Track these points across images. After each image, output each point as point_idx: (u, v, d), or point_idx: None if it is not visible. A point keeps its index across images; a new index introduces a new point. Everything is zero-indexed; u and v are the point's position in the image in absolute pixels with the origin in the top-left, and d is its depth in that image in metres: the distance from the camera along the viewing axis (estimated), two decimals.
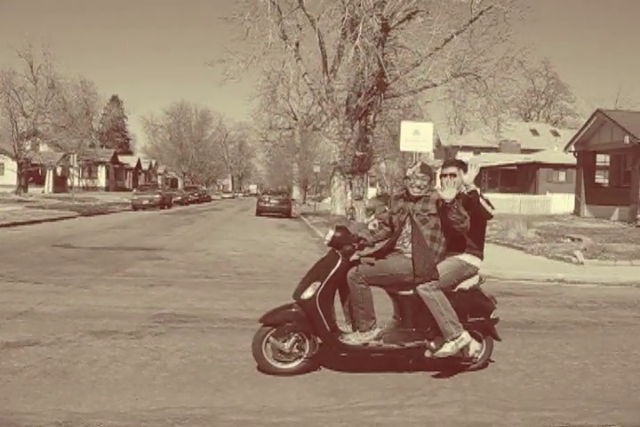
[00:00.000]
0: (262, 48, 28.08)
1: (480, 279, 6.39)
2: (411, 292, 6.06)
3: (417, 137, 16.64)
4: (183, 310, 8.84)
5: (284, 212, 39.31)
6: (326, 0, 27.13)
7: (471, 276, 6.31)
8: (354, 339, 6.08)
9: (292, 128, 40.24)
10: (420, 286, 5.96)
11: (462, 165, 6.42)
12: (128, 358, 6.37)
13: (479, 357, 6.33)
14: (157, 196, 43.88)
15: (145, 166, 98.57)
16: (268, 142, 53.18)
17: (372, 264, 6.10)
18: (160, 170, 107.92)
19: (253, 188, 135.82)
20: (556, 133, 66.95)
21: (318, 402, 5.31)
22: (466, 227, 5.99)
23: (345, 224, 6.47)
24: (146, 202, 42.14)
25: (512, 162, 50.00)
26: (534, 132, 67.95)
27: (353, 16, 25.90)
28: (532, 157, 48.25)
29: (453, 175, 6.26)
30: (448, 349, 5.97)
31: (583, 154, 33.81)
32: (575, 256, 14.93)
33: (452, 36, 26.58)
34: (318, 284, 6.01)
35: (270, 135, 47.94)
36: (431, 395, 5.59)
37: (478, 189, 6.31)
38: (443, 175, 6.34)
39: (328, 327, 6.00)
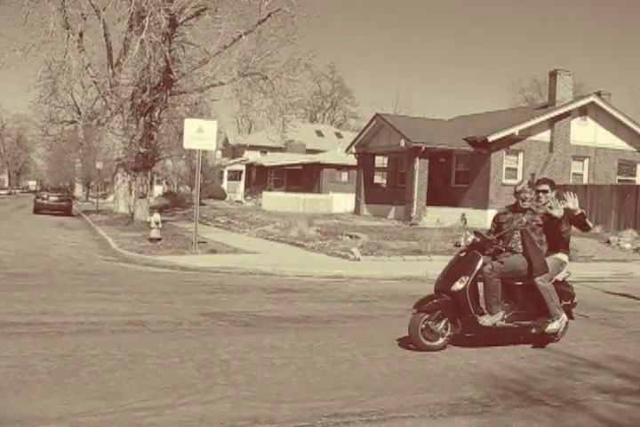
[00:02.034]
0: (43, 36, 26.48)
1: (567, 272, 8.27)
2: (520, 283, 7.74)
3: (201, 135, 16.51)
4: None
5: (64, 209, 37.60)
6: None
7: (563, 269, 8.15)
8: (487, 321, 7.55)
9: (75, 122, 38.23)
10: (538, 278, 7.64)
11: (551, 183, 8.30)
12: None
13: (561, 332, 7.99)
14: None
15: None
16: (49, 136, 50.21)
17: (502, 262, 7.64)
18: None
19: (33, 184, 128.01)
20: (339, 135, 69.61)
21: (87, 406, 5.10)
22: (569, 234, 8.03)
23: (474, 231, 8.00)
24: None
25: (297, 162, 51.26)
26: (319, 133, 70.14)
27: (140, 9, 25.15)
28: (316, 158, 49.74)
29: (545, 191, 8.12)
30: (555, 326, 7.78)
31: (363, 155, 35.41)
32: (352, 253, 15.60)
33: (241, 36, 26.62)
34: (467, 278, 7.43)
35: (51, 129, 45.20)
36: (204, 392, 5.58)
37: (585, 211, 8.08)
38: (537, 191, 8.08)
39: (472, 312, 7.41)
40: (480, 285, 7.71)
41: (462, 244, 7.78)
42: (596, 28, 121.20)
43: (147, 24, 24.41)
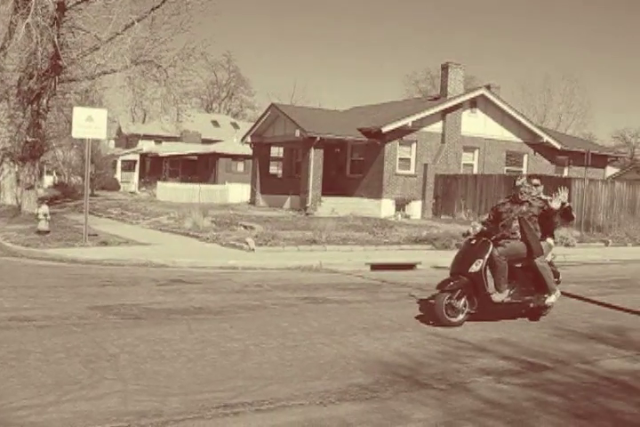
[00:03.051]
0: None
1: (553, 255, 9.69)
2: (519, 264, 8.98)
3: (90, 123, 16.02)
4: None
5: None
6: None
7: (550, 252, 9.50)
8: (497, 297, 8.75)
9: None
10: (537, 259, 8.96)
11: (541, 178, 10.33)
12: None
13: (550, 307, 9.35)
14: None
15: None
16: None
17: (505, 246, 8.82)
18: None
19: None
20: (235, 125, 69.16)
21: None
22: (557, 224, 9.57)
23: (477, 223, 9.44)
24: None
25: (193, 152, 50.66)
26: (215, 123, 69.45)
27: None
28: (212, 148, 49.27)
29: (537, 185, 9.90)
30: (552, 299, 9.12)
31: (259, 146, 35.33)
32: (247, 243, 15.55)
33: (134, 23, 25.96)
34: (481, 261, 8.59)
35: None
36: (91, 388, 5.45)
37: (571, 204, 9.46)
38: (532, 184, 9.64)
39: (487, 290, 8.60)
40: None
41: (472, 232, 8.98)
42: (487, 23, 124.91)
43: (33, 7, 23.47)
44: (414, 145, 30.49)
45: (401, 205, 30.13)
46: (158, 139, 57.60)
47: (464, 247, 9.06)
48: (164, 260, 13.38)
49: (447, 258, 15.88)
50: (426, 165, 30.34)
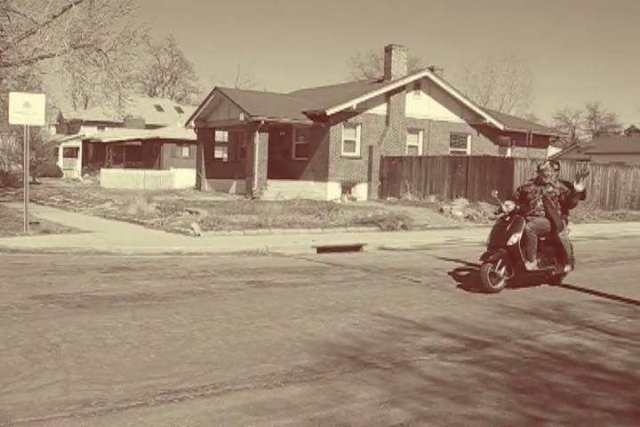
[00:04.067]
0: None
1: (568, 229, 10.81)
2: (543, 238, 10.19)
3: (28, 109, 15.60)
4: None
5: None
6: None
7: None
8: (529, 266, 10.01)
9: None
10: (560, 233, 10.33)
11: (558, 164, 11.45)
12: None
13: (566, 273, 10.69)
14: None
15: None
16: None
17: (535, 222, 10.04)
18: None
19: None
20: (180, 110, 68.33)
21: None
22: (577, 203, 10.63)
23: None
24: None
25: (137, 137, 49.93)
26: (159, 108, 68.52)
27: None
28: (156, 133, 48.63)
29: (557, 169, 11.00)
30: (569, 268, 10.56)
31: (203, 130, 34.97)
32: (192, 228, 15.43)
33: (71, 5, 25.29)
34: (518, 234, 9.82)
35: None
36: (32, 378, 5.36)
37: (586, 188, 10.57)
38: (553, 169, 10.70)
39: (522, 260, 9.88)
40: None
41: (505, 210, 10.08)
42: (429, 5, 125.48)
43: None
44: (359, 127, 30.56)
45: (347, 188, 30.22)
46: (101, 125, 56.62)
47: (499, 224, 10.24)
48: (107, 247, 13.19)
49: (393, 239, 16.15)
50: (371, 148, 30.45)
